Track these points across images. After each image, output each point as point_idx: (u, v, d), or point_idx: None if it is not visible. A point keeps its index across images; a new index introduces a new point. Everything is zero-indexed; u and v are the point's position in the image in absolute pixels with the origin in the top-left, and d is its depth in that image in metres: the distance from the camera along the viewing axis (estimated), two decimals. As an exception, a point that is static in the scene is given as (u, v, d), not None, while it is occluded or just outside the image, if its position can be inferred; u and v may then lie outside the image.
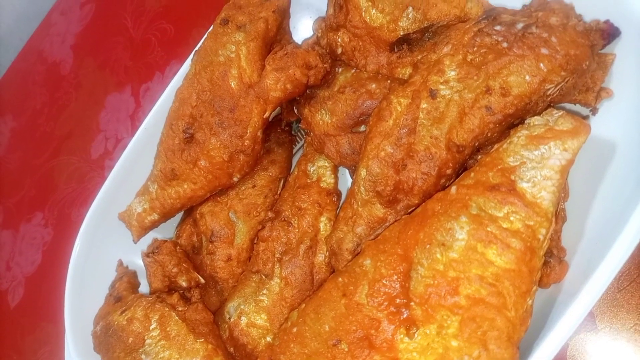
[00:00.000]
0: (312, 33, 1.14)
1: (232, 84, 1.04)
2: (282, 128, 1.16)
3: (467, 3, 0.92)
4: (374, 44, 1.03)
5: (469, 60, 0.83)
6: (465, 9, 0.92)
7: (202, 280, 1.06)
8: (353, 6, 1.03)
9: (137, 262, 1.23)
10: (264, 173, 1.11)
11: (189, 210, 1.17)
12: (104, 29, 1.77)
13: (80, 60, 1.80)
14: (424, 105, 0.84)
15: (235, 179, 1.08)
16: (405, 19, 0.97)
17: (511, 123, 0.81)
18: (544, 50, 0.76)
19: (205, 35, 1.12)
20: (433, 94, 0.83)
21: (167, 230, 1.22)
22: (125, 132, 1.58)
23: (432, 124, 0.83)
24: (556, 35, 0.76)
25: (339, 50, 1.07)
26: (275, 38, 1.08)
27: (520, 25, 0.79)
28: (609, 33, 0.76)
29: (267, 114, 1.04)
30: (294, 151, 1.18)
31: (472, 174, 0.76)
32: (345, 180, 1.10)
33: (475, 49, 0.82)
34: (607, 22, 0.77)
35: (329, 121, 1.03)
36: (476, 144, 0.82)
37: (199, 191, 1.09)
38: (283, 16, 1.08)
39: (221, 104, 1.04)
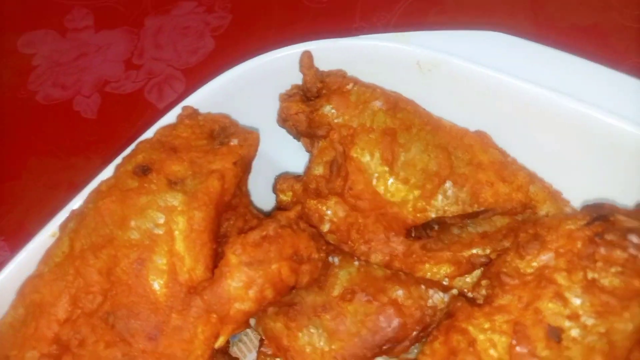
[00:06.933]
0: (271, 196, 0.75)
1: (155, 286, 0.56)
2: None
3: (529, 187, 0.67)
4: (383, 223, 0.69)
5: (589, 279, 0.54)
6: (529, 194, 0.67)
7: None
8: (356, 168, 0.69)
9: None
10: None
11: None
12: None
13: None
14: (543, 352, 0.51)
15: None
16: (442, 196, 0.67)
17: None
18: None
19: (95, 184, 0.64)
20: (555, 334, 0.52)
21: None
22: None
23: (566, 389, 0.50)
24: None
25: (326, 227, 0.69)
26: (230, 204, 0.66)
27: (674, 238, 0.55)
28: None
29: (220, 342, 0.58)
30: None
31: None
32: None
33: (600, 264, 0.54)
34: None
35: (327, 349, 0.62)
36: None
37: None
38: (245, 171, 0.68)
39: (129, 324, 0.55)
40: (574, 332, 0.51)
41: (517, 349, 0.52)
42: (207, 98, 0.74)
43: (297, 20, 1.10)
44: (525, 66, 0.70)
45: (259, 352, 0.66)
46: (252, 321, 0.67)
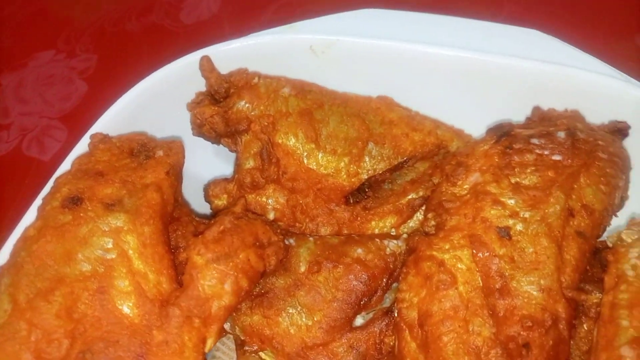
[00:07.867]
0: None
1: (125, 309, 0.53)
2: None
3: (437, 131, 0.75)
4: (322, 198, 0.72)
5: (513, 182, 0.63)
6: (439, 137, 0.75)
7: None
8: (285, 153, 0.71)
9: None
10: None
11: None
12: None
13: None
14: (501, 250, 0.58)
15: None
16: (368, 157, 0.72)
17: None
18: (602, 154, 0.64)
19: (21, 232, 0.58)
20: (505, 233, 0.59)
21: None
22: None
23: (528, 272, 0.57)
24: (604, 139, 0.65)
25: (271, 216, 0.71)
26: (172, 215, 0.64)
27: (562, 134, 0.65)
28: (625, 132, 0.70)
29: (209, 345, 0.56)
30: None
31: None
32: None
33: (517, 169, 0.63)
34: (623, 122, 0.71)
35: (310, 323, 0.62)
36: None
37: None
38: (178, 180, 0.66)
39: (111, 354, 0.51)
40: (519, 227, 0.59)
41: (479, 255, 0.58)
42: (108, 126, 0.72)
43: (167, 45, 1.09)
44: (402, 31, 0.79)
45: (241, 354, 0.64)
46: (227, 326, 0.65)
